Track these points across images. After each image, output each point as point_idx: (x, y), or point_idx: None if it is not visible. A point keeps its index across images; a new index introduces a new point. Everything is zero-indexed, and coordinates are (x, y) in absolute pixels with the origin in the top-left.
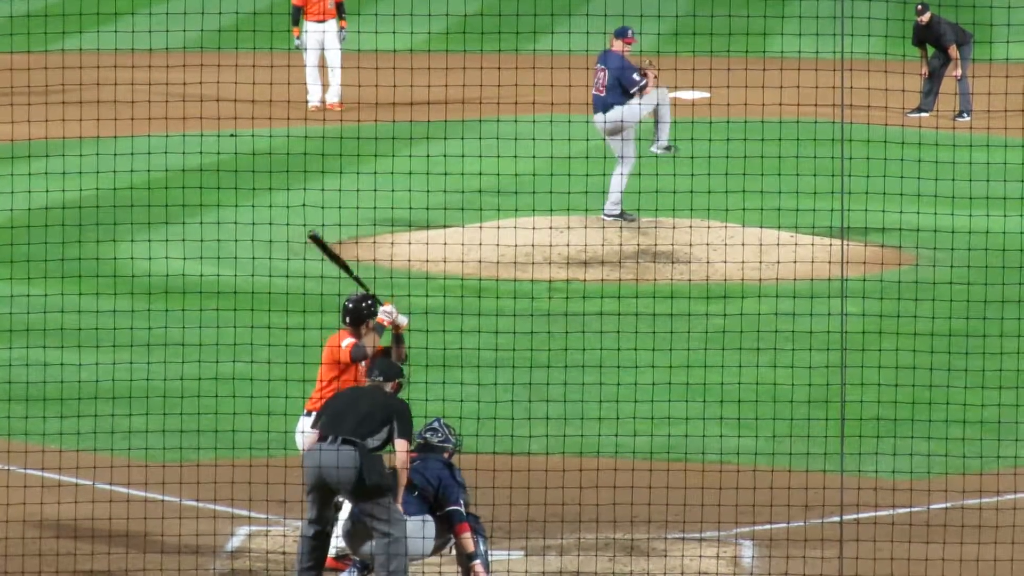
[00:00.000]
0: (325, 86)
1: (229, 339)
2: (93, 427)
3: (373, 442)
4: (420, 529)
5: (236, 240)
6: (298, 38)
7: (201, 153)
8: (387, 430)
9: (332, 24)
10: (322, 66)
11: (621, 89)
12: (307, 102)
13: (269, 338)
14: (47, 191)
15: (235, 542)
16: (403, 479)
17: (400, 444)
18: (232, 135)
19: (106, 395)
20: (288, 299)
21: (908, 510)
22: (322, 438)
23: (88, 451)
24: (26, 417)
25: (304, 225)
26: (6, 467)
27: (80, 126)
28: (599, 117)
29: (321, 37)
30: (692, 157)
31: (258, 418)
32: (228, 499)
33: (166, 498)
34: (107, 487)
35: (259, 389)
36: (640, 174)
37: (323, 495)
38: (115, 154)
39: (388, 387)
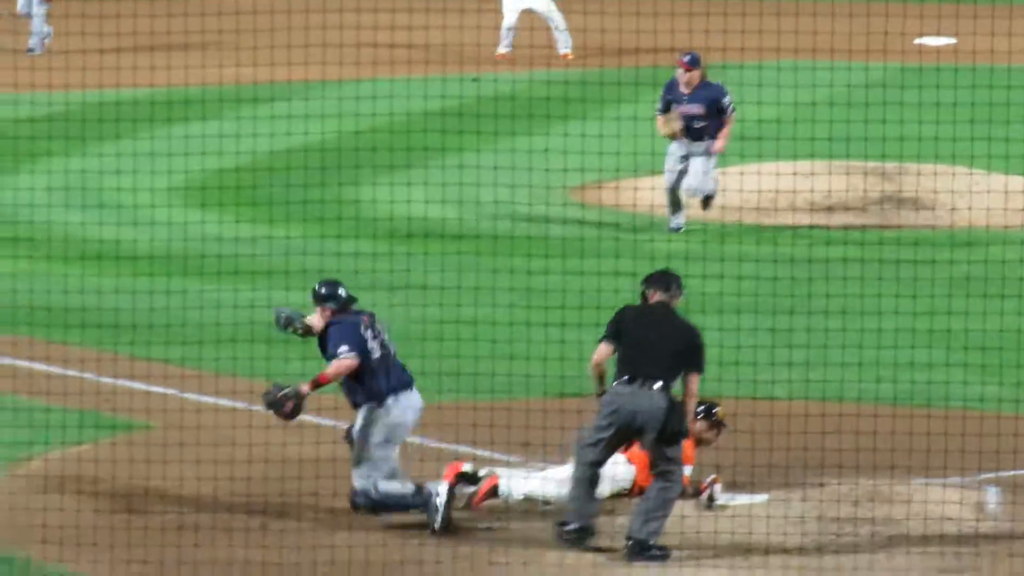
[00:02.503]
0: (554, 41)
1: (471, 282)
2: None
3: (674, 380)
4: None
5: (478, 184)
6: None
7: (443, 97)
8: (683, 365)
9: None
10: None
11: None
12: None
13: (511, 281)
14: (289, 134)
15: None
16: (691, 407)
17: (693, 379)
18: (475, 79)
19: None
20: (530, 243)
21: None
22: (630, 379)
23: (330, 393)
24: (268, 358)
25: (547, 170)
26: (249, 407)
27: (323, 69)
28: None
29: None
30: (938, 104)
31: (500, 361)
32: (470, 441)
33: (409, 438)
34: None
35: (501, 332)
36: (885, 121)
37: (620, 438)
38: (356, 97)
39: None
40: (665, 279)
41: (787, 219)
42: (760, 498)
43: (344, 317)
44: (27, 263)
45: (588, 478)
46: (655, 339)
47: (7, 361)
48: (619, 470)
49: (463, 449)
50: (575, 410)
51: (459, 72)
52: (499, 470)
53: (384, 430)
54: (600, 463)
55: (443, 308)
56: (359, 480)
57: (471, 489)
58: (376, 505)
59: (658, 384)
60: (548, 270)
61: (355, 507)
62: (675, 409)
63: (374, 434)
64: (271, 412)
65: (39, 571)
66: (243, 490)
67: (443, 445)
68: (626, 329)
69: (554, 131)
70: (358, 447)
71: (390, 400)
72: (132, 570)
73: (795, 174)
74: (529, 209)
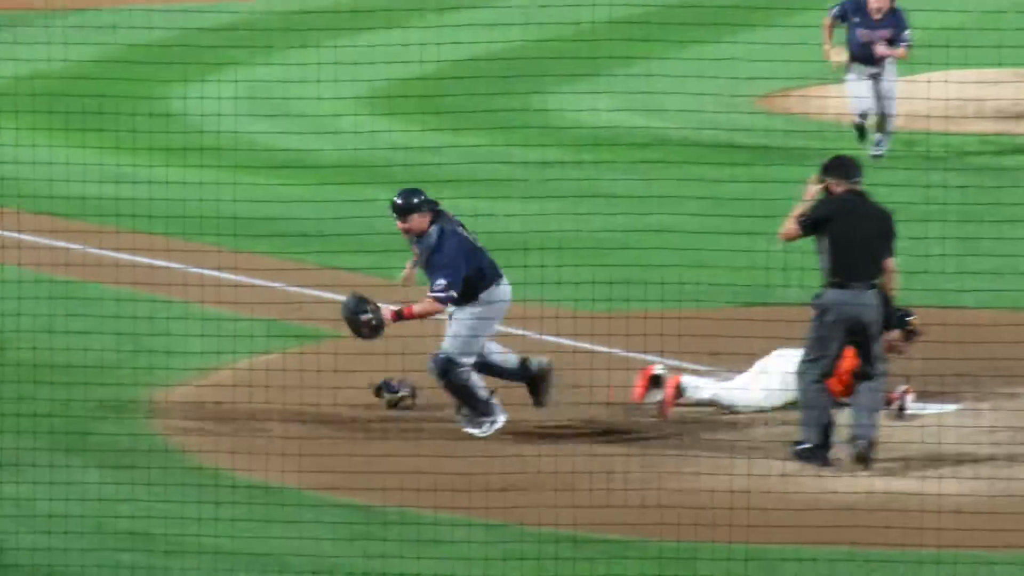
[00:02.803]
0: None
1: (658, 190)
2: (523, 277)
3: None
4: None
5: (664, 92)
6: None
7: (628, 5)
8: (887, 253)
9: None
10: None
11: None
12: None
13: (698, 190)
14: (474, 43)
15: (656, 396)
16: (895, 292)
17: (891, 263)
18: None
19: (536, 246)
20: (717, 151)
21: None
22: (847, 283)
23: (519, 301)
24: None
25: (733, 79)
26: (441, 317)
27: None
28: None
29: None
30: None
31: (687, 270)
32: (658, 350)
33: (596, 348)
34: (537, 336)
35: (687, 241)
36: None
37: (841, 345)
38: (542, 6)
39: None
40: (845, 166)
41: (974, 127)
42: (950, 407)
43: (444, 225)
44: (214, 173)
45: (817, 393)
46: (863, 237)
47: (196, 271)
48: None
49: (651, 358)
50: (762, 319)
51: None
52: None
53: (477, 320)
54: (828, 375)
55: (629, 217)
56: (451, 354)
57: (658, 398)
58: (453, 384)
59: (873, 282)
60: (735, 178)
61: (440, 374)
62: (887, 304)
63: (468, 324)
64: (347, 325)
65: (229, 480)
66: (428, 399)
67: (631, 354)
68: (832, 229)
69: (741, 38)
70: (453, 333)
71: (485, 293)
72: (320, 479)
73: (981, 82)
74: (715, 117)
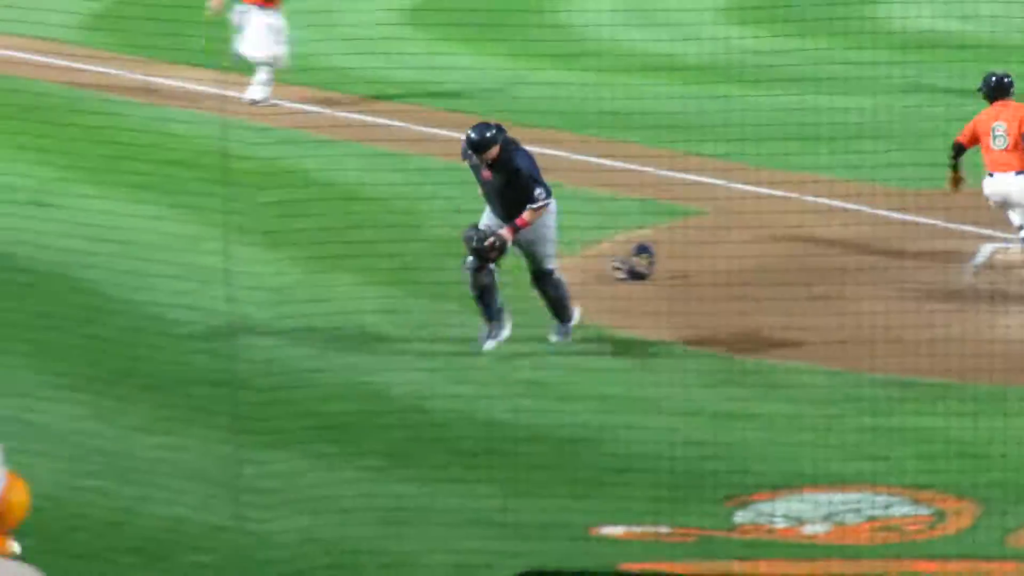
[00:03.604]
0: None
1: (971, 84)
2: (859, 161)
3: None
4: None
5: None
6: None
7: None
8: None
9: None
10: None
11: None
12: None
13: None
14: None
15: (979, 258)
16: None
17: None
18: None
19: (869, 135)
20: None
21: None
22: None
23: (854, 181)
24: (800, 154)
25: None
26: (788, 195)
27: None
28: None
29: None
30: None
31: None
32: (973, 221)
33: (921, 220)
34: (870, 211)
35: None
36: None
37: None
38: None
39: None
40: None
41: None
42: None
43: (514, 146)
44: (594, 75)
45: None
46: None
47: (581, 158)
48: None
49: (968, 229)
50: None
51: None
52: None
53: (552, 229)
54: None
55: (948, 108)
56: (551, 264)
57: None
58: (559, 289)
59: None
60: None
61: (546, 283)
62: None
63: (551, 233)
64: (474, 256)
65: (609, 336)
66: (775, 265)
67: (950, 225)
68: None
69: None
70: (546, 241)
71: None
72: (682, 333)
73: None
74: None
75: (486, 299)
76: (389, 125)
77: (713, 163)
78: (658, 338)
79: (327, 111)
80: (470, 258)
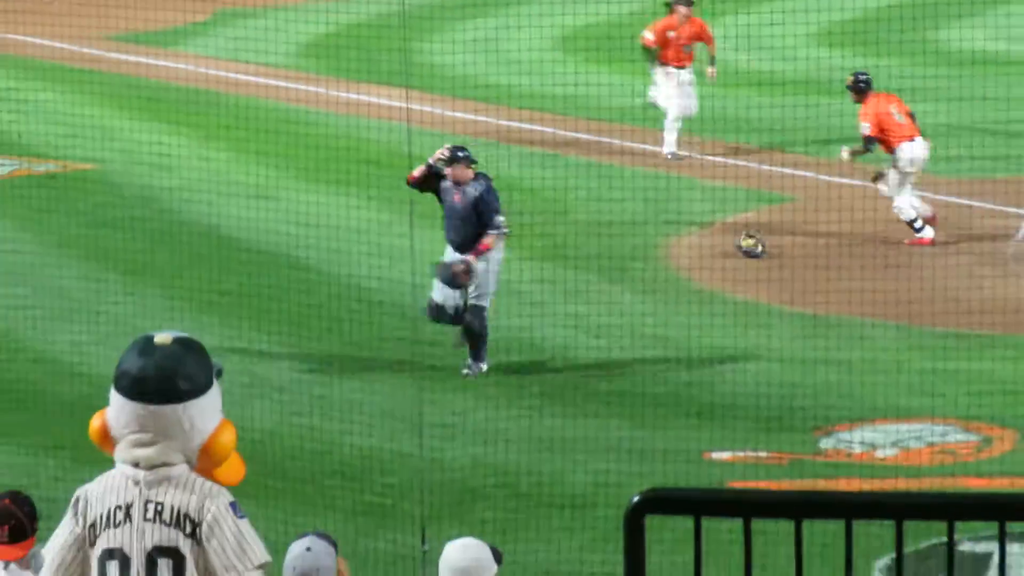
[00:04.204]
0: None
1: None
2: None
3: None
4: None
5: None
6: None
7: None
8: None
9: None
10: None
11: None
12: None
13: None
14: None
15: (1021, 233)
16: None
17: None
18: None
19: None
20: None
21: None
22: None
23: None
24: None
25: None
26: (851, 181)
27: None
28: None
29: None
30: None
31: None
32: (1015, 204)
33: (975, 203)
34: (931, 196)
35: None
36: None
37: None
38: None
39: None
40: None
41: None
42: None
43: (485, 178)
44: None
45: None
46: None
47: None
48: None
49: None
50: None
51: None
52: None
53: (498, 266)
54: None
55: (996, 113)
56: (485, 301)
57: None
58: (483, 328)
59: None
60: None
61: (474, 316)
62: None
63: (495, 271)
64: (446, 284)
65: (720, 299)
66: (854, 241)
67: None
68: None
69: None
70: (489, 277)
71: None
72: (780, 296)
73: None
74: None
75: (480, 340)
76: (542, 131)
77: (805, 159)
78: (759, 300)
79: (492, 120)
80: (434, 302)
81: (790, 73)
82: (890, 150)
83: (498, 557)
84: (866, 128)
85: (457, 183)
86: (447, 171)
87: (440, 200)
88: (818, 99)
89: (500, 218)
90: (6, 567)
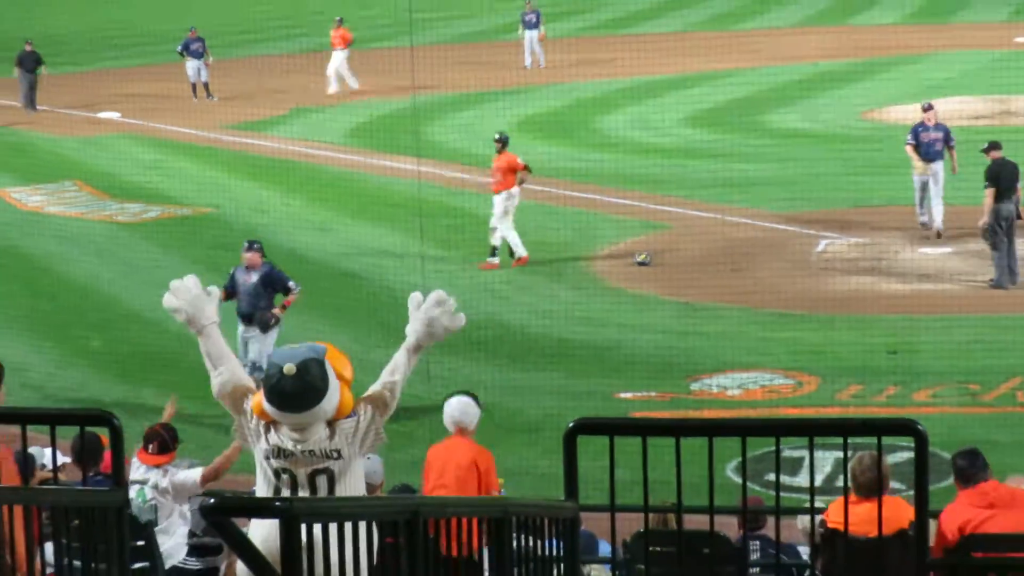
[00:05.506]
0: None
1: None
2: None
3: None
4: None
5: None
6: None
7: None
8: None
9: None
10: None
11: None
12: None
13: None
14: None
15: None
16: None
17: None
18: None
19: None
20: None
21: None
22: None
23: None
24: None
25: None
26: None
27: None
28: None
29: None
30: None
31: None
32: None
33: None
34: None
35: None
36: None
37: None
38: None
39: None
40: None
41: None
42: None
43: (269, 263)
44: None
45: None
46: None
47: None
48: None
49: None
50: None
51: None
52: None
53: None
54: None
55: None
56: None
57: None
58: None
59: None
60: None
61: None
62: None
63: (273, 342)
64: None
65: (632, 294)
66: (713, 261)
67: None
68: None
69: None
70: (260, 353)
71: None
72: (665, 290)
73: None
74: None
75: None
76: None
77: (677, 199)
78: (649, 292)
79: (474, 177)
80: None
81: (667, 143)
82: None
83: (480, 405)
84: None
85: (249, 268)
86: (243, 256)
87: (233, 287)
88: (684, 161)
89: (292, 281)
90: (165, 473)
